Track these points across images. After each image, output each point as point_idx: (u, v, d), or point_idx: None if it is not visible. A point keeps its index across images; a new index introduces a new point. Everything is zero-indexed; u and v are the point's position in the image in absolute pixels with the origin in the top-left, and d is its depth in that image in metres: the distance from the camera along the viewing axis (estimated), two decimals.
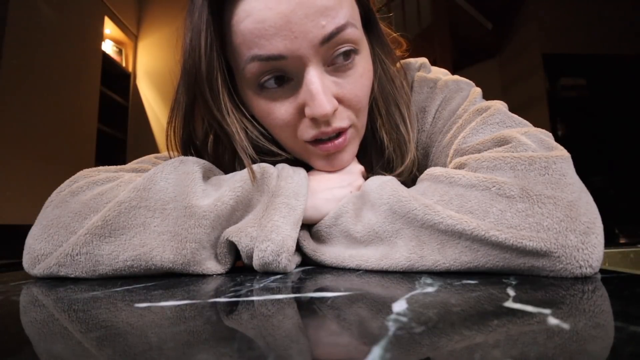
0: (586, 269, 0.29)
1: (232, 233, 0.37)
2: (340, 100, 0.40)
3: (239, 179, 0.38)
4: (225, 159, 0.44)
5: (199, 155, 0.44)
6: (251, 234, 0.36)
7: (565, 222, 0.29)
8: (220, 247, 0.37)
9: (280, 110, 0.40)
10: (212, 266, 0.37)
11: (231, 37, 0.38)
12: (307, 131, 0.40)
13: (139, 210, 0.36)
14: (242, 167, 0.42)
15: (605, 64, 2.94)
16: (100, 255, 0.35)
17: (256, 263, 0.36)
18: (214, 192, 0.38)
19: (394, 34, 0.50)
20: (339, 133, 0.41)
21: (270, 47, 0.36)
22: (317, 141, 0.41)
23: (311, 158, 0.44)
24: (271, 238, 0.35)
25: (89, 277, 0.36)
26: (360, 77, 0.41)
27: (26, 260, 0.37)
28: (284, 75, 0.38)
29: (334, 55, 0.38)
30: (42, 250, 0.36)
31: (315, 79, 0.37)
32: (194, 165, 0.39)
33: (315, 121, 0.39)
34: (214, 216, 0.36)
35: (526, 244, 0.29)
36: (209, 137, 0.44)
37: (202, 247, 0.36)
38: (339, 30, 0.37)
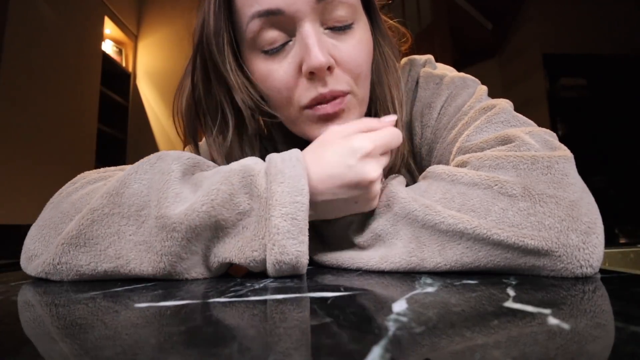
0: (587, 268, 0.29)
1: (235, 257, 0.33)
2: (337, 62, 0.40)
3: (217, 180, 0.33)
4: (228, 140, 0.45)
5: (206, 126, 0.46)
6: (258, 258, 0.32)
7: (567, 221, 0.29)
8: (215, 263, 0.34)
9: (279, 72, 0.41)
10: (199, 274, 0.34)
11: (235, 1, 0.41)
12: (305, 94, 0.40)
13: (112, 217, 0.33)
14: (244, 154, 0.43)
15: (605, 64, 2.94)
16: (80, 265, 0.34)
17: (271, 276, 0.33)
18: (191, 194, 0.33)
19: (392, 22, 0.51)
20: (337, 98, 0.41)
21: (269, 1, 0.38)
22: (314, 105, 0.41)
23: (307, 126, 0.42)
24: (282, 260, 0.31)
25: (77, 281, 0.35)
26: (358, 42, 0.41)
27: (22, 259, 0.37)
28: (283, 34, 0.40)
29: (331, 16, 0.40)
30: (34, 250, 0.36)
31: (311, 33, 0.38)
32: (172, 163, 0.34)
33: (312, 81, 0.40)
34: (185, 228, 0.31)
35: (527, 243, 0.29)
36: (215, 113, 0.46)
37: (180, 258, 0.32)
38: None
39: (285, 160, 0.34)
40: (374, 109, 0.47)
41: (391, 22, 0.50)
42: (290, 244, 0.31)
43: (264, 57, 0.41)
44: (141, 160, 0.36)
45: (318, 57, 0.38)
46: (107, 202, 0.34)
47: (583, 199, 0.31)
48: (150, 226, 0.32)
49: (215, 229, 0.33)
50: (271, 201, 0.32)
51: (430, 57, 0.53)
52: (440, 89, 0.47)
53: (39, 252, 0.36)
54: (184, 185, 0.34)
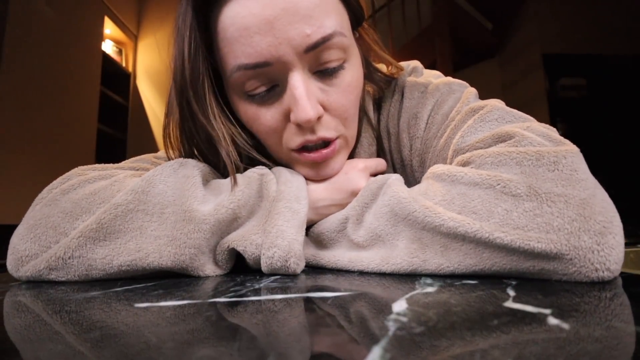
0: (603, 272, 0.27)
1: (236, 242, 0.36)
2: (326, 108, 0.39)
3: (241, 183, 0.38)
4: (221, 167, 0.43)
5: (202, 155, 0.43)
6: (256, 242, 0.36)
7: (578, 221, 0.27)
8: (221, 254, 0.37)
9: (267, 116, 0.39)
10: (212, 271, 0.37)
11: (218, 43, 0.38)
12: (293, 139, 0.40)
13: (136, 213, 0.35)
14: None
15: (605, 64, 2.94)
16: (94, 259, 0.34)
17: (265, 269, 0.35)
18: (214, 197, 0.37)
19: (382, 51, 0.49)
20: (328, 143, 0.40)
21: (256, 55, 0.36)
22: (302, 149, 0.40)
23: (296, 166, 0.42)
24: (277, 244, 0.35)
25: (81, 281, 0.35)
26: (347, 86, 0.40)
27: (10, 262, 0.36)
28: (270, 81, 0.38)
29: (321, 61, 0.38)
30: (27, 251, 0.35)
31: (299, 83, 0.37)
32: (193, 168, 0.38)
33: (300, 128, 0.39)
34: (214, 221, 0.35)
35: (534, 246, 0.27)
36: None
37: (201, 252, 0.35)
38: (325, 39, 0.36)
39: (293, 175, 0.41)
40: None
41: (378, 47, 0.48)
42: (287, 229, 0.35)
43: (250, 101, 0.39)
44: (164, 165, 0.38)
45: (307, 111, 0.36)
46: (133, 199, 0.35)
47: (596, 196, 0.28)
48: (174, 221, 0.35)
49: (231, 224, 0.37)
50: (278, 198, 0.38)
51: (416, 64, 0.51)
52: (425, 98, 0.45)
53: (32, 252, 0.35)
54: (206, 189, 0.38)
